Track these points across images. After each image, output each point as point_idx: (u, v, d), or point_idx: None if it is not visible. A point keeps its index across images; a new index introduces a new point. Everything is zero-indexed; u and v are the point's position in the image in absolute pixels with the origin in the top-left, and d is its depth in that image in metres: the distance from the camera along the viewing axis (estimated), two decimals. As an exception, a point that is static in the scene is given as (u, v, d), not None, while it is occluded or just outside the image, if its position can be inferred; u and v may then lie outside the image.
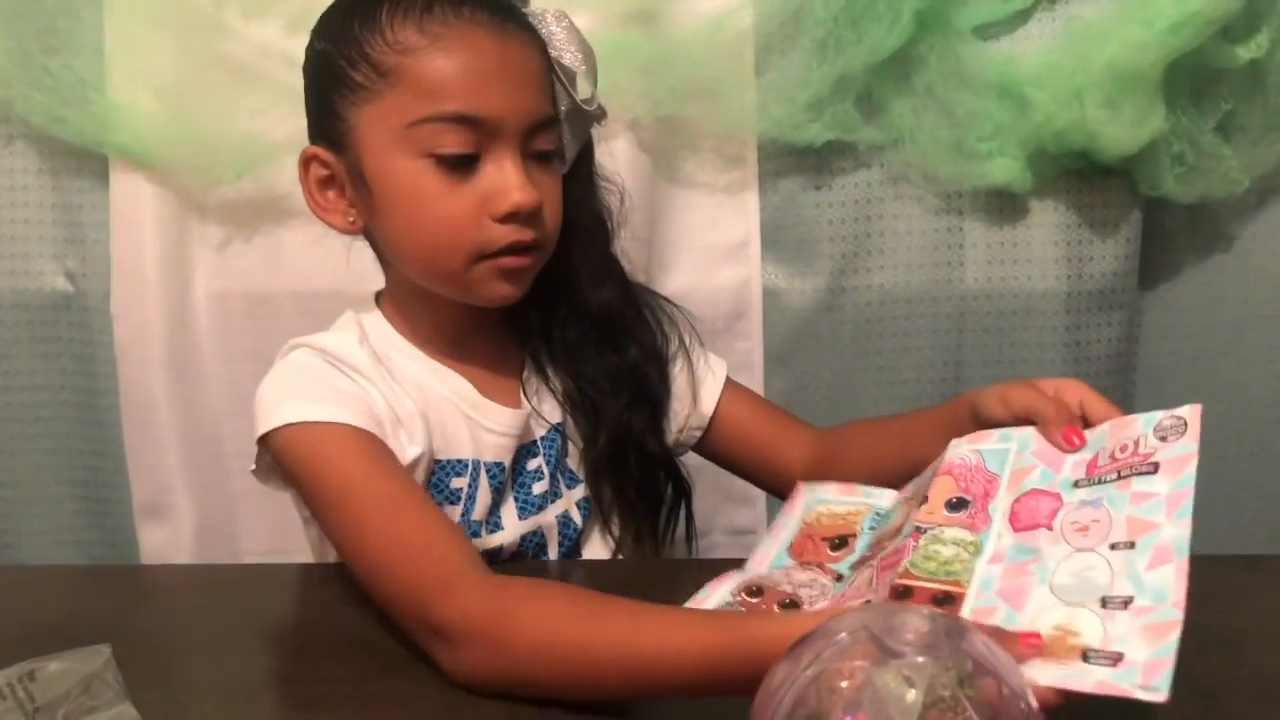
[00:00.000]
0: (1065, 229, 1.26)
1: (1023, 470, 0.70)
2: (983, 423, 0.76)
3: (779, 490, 0.96)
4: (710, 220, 1.27)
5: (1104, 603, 0.57)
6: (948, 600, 0.61)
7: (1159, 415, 0.66)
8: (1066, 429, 0.70)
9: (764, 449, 0.98)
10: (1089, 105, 1.15)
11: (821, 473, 0.89)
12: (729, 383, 1.00)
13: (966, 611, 0.60)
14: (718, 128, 1.23)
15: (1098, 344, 1.28)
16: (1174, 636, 0.53)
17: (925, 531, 0.67)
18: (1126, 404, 1.32)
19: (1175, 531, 0.59)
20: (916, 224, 1.27)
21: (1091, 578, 0.59)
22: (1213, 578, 0.77)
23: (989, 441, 0.73)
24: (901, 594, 0.62)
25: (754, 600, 0.70)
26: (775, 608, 0.68)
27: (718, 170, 1.26)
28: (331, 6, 0.85)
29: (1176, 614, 0.55)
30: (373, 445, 0.79)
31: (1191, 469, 0.62)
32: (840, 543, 0.76)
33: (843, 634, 0.47)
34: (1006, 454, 0.72)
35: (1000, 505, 0.68)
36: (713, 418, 0.98)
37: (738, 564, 0.77)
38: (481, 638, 0.66)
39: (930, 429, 0.81)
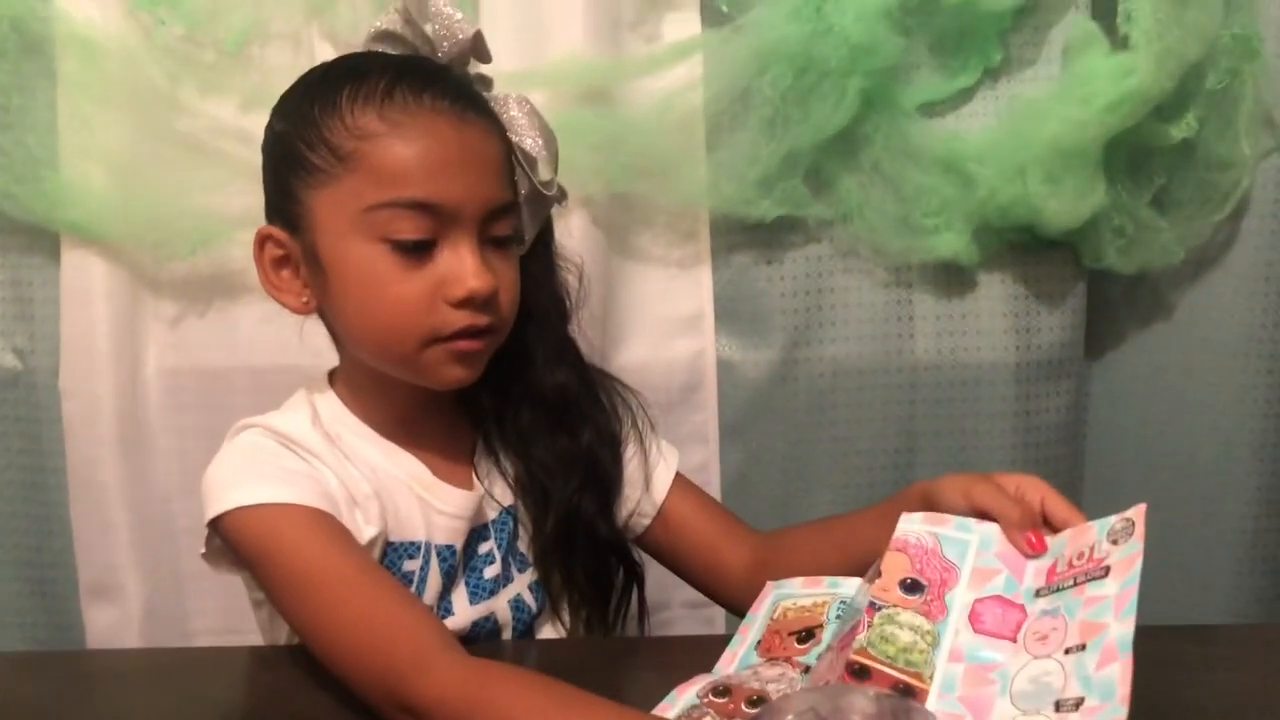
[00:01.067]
0: (1012, 300, 1.28)
1: (986, 570, 0.71)
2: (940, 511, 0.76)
3: (714, 592, 0.97)
4: (664, 293, 1.29)
5: (1057, 706, 0.60)
6: (908, 693, 0.62)
7: (1111, 520, 0.69)
8: (1029, 533, 0.72)
9: (707, 546, 0.96)
10: (1032, 181, 1.18)
11: (763, 576, 0.88)
12: (679, 476, 0.99)
13: (929, 708, 0.61)
14: (670, 203, 1.25)
15: (1047, 413, 1.30)
16: None
17: (880, 609, 0.67)
18: (1077, 472, 1.35)
19: (1120, 630, 0.61)
20: (866, 296, 1.29)
21: (1048, 683, 0.61)
22: (1163, 649, 0.78)
23: (946, 527, 0.73)
24: (858, 672, 0.63)
25: (720, 700, 0.69)
26: (743, 705, 0.68)
27: (671, 245, 1.28)
28: (292, 87, 0.85)
29: (1122, 710, 0.57)
30: (329, 525, 0.78)
31: (1137, 569, 0.64)
32: (807, 635, 0.76)
33: (789, 716, 0.47)
34: (966, 546, 0.72)
35: (959, 599, 0.69)
36: (661, 508, 0.97)
37: (698, 657, 0.77)
38: (457, 716, 0.66)
39: (875, 525, 0.80)
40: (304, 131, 0.81)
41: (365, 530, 0.83)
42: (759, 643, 0.78)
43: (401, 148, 0.79)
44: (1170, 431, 1.35)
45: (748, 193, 1.22)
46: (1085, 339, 1.32)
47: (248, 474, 0.80)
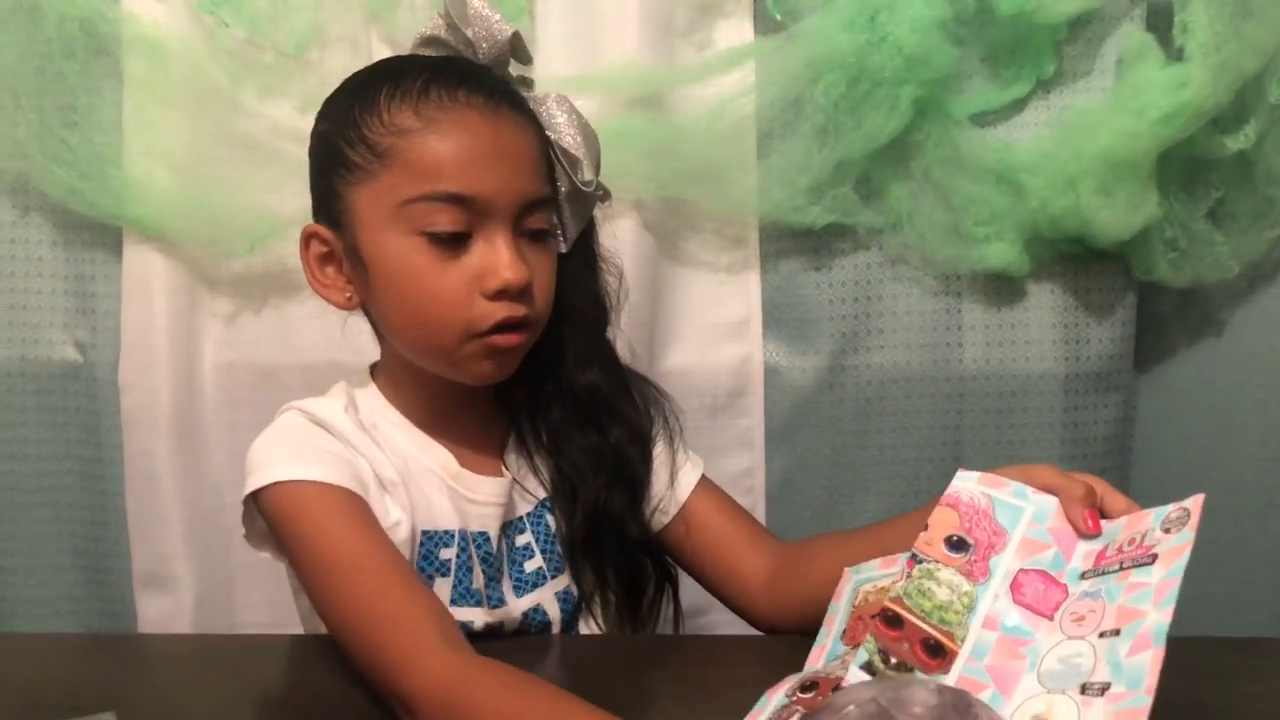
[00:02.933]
0: (1062, 311, 1.28)
1: (1036, 543, 0.70)
2: None
3: (730, 598, 0.96)
4: (713, 298, 1.29)
5: (1083, 689, 0.59)
6: (938, 650, 0.62)
7: (1169, 508, 0.68)
8: (1088, 510, 0.71)
9: (727, 550, 0.95)
10: (1083, 192, 1.18)
11: (782, 585, 0.89)
12: (704, 479, 0.99)
13: (956, 670, 0.61)
14: (720, 209, 1.26)
15: (1095, 425, 1.29)
16: None
17: (921, 562, 0.67)
18: (1124, 485, 1.33)
19: (1157, 619, 0.60)
20: (915, 305, 1.29)
21: (1077, 664, 0.61)
22: (1206, 660, 0.78)
23: (1003, 491, 0.72)
24: (891, 619, 0.63)
25: (807, 695, 0.68)
26: (830, 693, 0.67)
27: (720, 250, 1.29)
28: (335, 90, 0.89)
29: (1147, 700, 0.56)
30: (356, 507, 0.80)
31: (1184, 558, 0.63)
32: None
33: (850, 706, 0.47)
34: (1019, 514, 0.71)
35: (1004, 565, 0.68)
36: (683, 507, 0.97)
37: (745, 655, 0.77)
38: (443, 713, 0.67)
39: (904, 532, 0.78)
40: (345, 131, 0.84)
41: (392, 513, 0.85)
42: (844, 632, 0.76)
43: (436, 142, 0.81)
44: (1218, 446, 1.33)
45: (798, 199, 1.22)
46: (1135, 351, 1.31)
47: (284, 452, 0.83)
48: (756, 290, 1.29)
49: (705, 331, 1.30)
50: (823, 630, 0.79)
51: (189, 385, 1.27)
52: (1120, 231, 1.19)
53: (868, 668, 0.65)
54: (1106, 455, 1.31)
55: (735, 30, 1.25)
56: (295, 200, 1.19)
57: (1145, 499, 1.34)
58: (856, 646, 0.73)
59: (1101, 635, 0.62)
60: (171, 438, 1.25)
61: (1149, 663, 0.58)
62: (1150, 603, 0.61)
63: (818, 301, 1.29)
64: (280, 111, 1.22)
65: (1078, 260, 1.27)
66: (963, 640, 0.63)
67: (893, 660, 0.65)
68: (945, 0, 1.16)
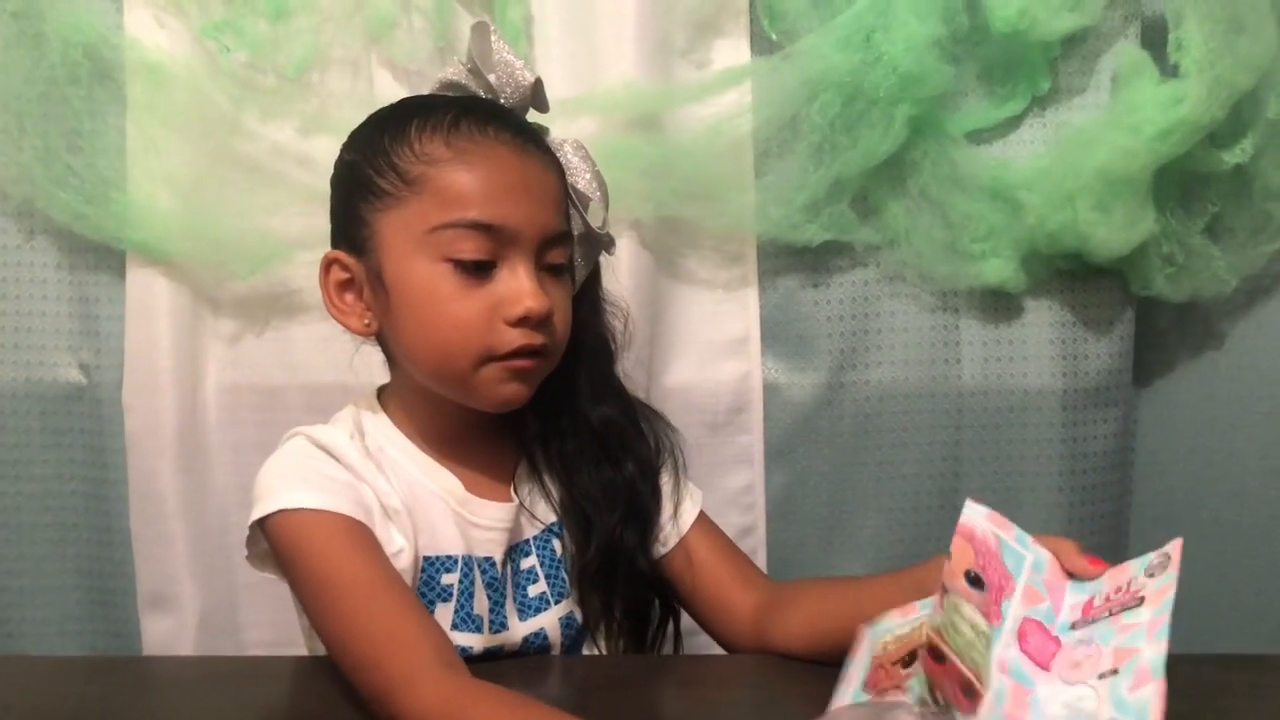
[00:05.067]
0: (1060, 327, 1.28)
1: (1034, 592, 0.71)
2: None
3: (718, 632, 0.96)
4: (711, 316, 1.30)
5: None
6: (970, 691, 0.62)
7: (1150, 556, 0.69)
8: (1088, 558, 0.73)
9: (719, 585, 0.96)
10: (1080, 208, 1.18)
11: (767, 622, 0.90)
12: (703, 514, 1.00)
13: (983, 716, 0.61)
14: (718, 227, 1.26)
15: (1094, 440, 1.30)
16: None
17: (948, 593, 0.67)
18: (1124, 500, 1.34)
19: (1153, 653, 0.61)
20: (913, 322, 1.29)
21: (1082, 708, 0.62)
22: (1209, 677, 0.78)
23: (1008, 534, 0.73)
24: (936, 655, 0.63)
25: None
26: None
27: (718, 268, 1.29)
28: (362, 124, 0.91)
29: None
30: (359, 534, 0.81)
31: (1171, 595, 0.64)
32: (911, 658, 0.73)
33: (835, 734, 0.47)
34: (1022, 561, 0.72)
35: (1013, 610, 0.69)
36: (683, 539, 0.98)
37: (742, 674, 0.76)
38: None
39: (890, 589, 0.80)
40: (374, 160, 0.85)
41: (396, 540, 0.85)
42: (865, 681, 0.75)
43: (465, 172, 0.83)
44: (1219, 461, 1.33)
45: (795, 217, 1.23)
46: (1134, 367, 1.31)
47: (290, 480, 0.84)
48: (755, 307, 1.29)
49: (704, 349, 1.30)
50: (840, 685, 0.76)
51: (192, 406, 1.27)
52: (1117, 247, 1.20)
53: (921, 703, 0.66)
54: (1106, 470, 1.30)
55: (732, 50, 1.26)
56: (298, 222, 1.21)
57: (1146, 514, 1.36)
58: (882, 692, 0.73)
59: (1101, 677, 0.63)
60: (175, 458, 1.26)
61: (1152, 697, 0.59)
62: (1144, 639, 0.63)
63: (816, 318, 1.30)
64: (282, 134, 1.24)
65: (1075, 276, 1.27)
66: (986, 684, 0.63)
67: (940, 700, 0.66)
68: (940, 19, 1.17)
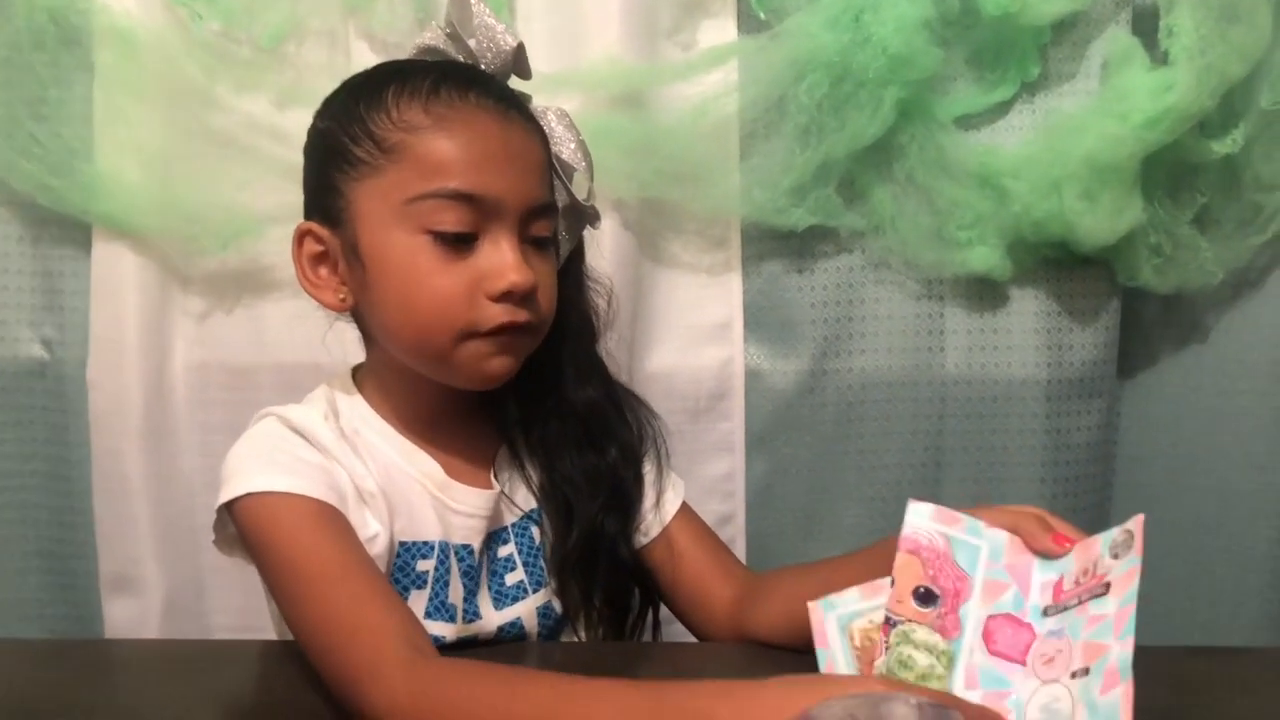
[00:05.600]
0: (1045, 317, 1.27)
1: (996, 584, 0.69)
2: None
3: (694, 623, 0.95)
4: (694, 300, 1.28)
5: None
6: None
7: (1113, 532, 0.68)
8: (1052, 534, 0.71)
9: (700, 577, 0.95)
10: (1067, 196, 1.16)
11: (746, 613, 0.88)
12: (685, 505, 0.98)
13: None
14: (702, 210, 1.24)
15: (1078, 431, 1.28)
16: None
17: (895, 625, 0.66)
18: (1106, 492, 1.33)
19: (1121, 652, 0.60)
20: (897, 309, 1.28)
21: (1057, 710, 0.61)
22: (1185, 671, 0.77)
23: (958, 528, 0.71)
24: None
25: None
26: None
27: (701, 251, 1.27)
28: (336, 90, 0.87)
29: None
30: (330, 519, 0.78)
31: (1135, 584, 0.63)
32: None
33: (827, 723, 0.46)
34: (977, 553, 0.71)
35: (973, 613, 0.68)
36: (665, 530, 0.96)
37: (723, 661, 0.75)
38: None
39: (860, 567, 0.77)
40: (348, 127, 0.82)
41: (371, 525, 0.82)
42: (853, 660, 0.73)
43: (445, 140, 0.79)
44: (1202, 454, 1.32)
45: (780, 201, 1.21)
46: (1118, 358, 1.30)
47: (260, 462, 0.80)
48: (738, 292, 1.27)
49: (686, 334, 1.28)
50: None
51: (159, 385, 1.24)
52: (1104, 236, 1.18)
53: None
54: (1089, 462, 1.29)
55: (718, 29, 1.24)
56: (271, 197, 1.18)
57: (1128, 506, 1.35)
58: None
59: (1074, 676, 0.62)
60: (141, 438, 1.23)
61: (1120, 699, 0.58)
62: (1111, 635, 0.61)
63: (799, 305, 1.28)
64: (256, 106, 1.20)
65: (1061, 265, 1.26)
66: None
67: None
68: (930, 0, 1.15)
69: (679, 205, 1.24)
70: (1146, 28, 1.20)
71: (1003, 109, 1.25)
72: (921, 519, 0.71)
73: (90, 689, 0.80)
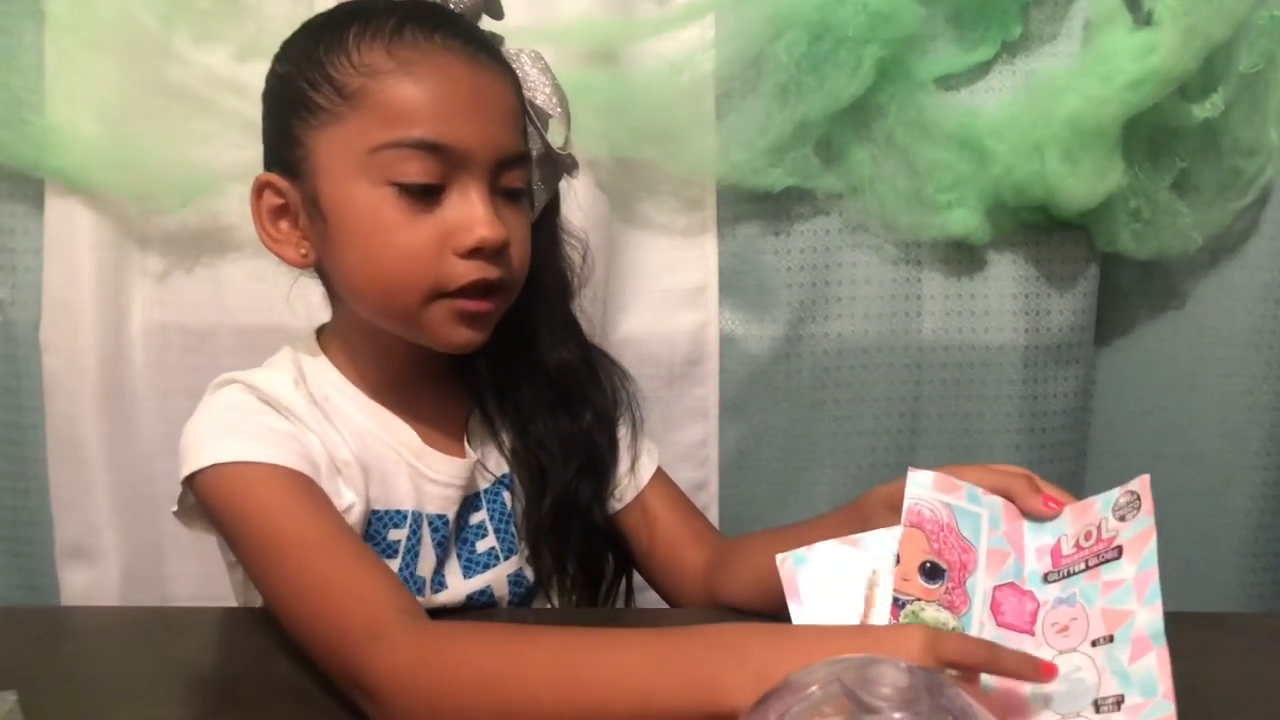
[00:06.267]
0: (1023, 282, 1.25)
1: (998, 553, 0.68)
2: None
3: (667, 589, 0.94)
4: (668, 263, 1.25)
5: (1097, 707, 0.57)
6: None
7: (1114, 493, 0.66)
8: (1043, 495, 0.70)
9: (675, 544, 0.93)
10: (1049, 158, 1.15)
11: (717, 578, 0.87)
12: (660, 470, 0.96)
13: None
14: (677, 170, 1.22)
15: (1054, 398, 1.27)
16: None
17: (904, 605, 0.64)
18: (1080, 459, 1.33)
19: (1148, 617, 0.59)
20: (874, 273, 1.26)
21: (1080, 679, 0.59)
22: (1166, 635, 0.76)
23: (958, 496, 0.69)
24: None
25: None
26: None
27: (676, 213, 1.24)
28: (295, 32, 0.82)
29: (1169, 706, 0.54)
30: (304, 488, 0.75)
31: (1152, 545, 0.62)
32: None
33: (813, 688, 0.44)
34: (979, 521, 0.69)
35: (980, 586, 0.66)
36: (640, 495, 0.94)
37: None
38: (411, 690, 0.63)
39: (829, 531, 0.74)
40: (308, 72, 0.77)
41: (345, 496, 0.79)
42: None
43: (410, 85, 0.75)
44: (1178, 421, 1.32)
45: (757, 161, 1.18)
46: (1095, 324, 1.29)
47: (226, 431, 0.77)
48: (714, 255, 1.25)
49: (661, 298, 1.26)
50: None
51: (116, 347, 1.20)
52: (1085, 200, 1.17)
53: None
54: (1064, 429, 1.29)
55: (696, -14, 1.21)
56: (231, 153, 1.14)
57: (1102, 473, 1.34)
58: None
59: (1094, 644, 0.60)
60: (97, 402, 1.19)
61: (1156, 665, 0.56)
62: (1134, 600, 0.60)
63: (775, 268, 1.26)
64: (216, 59, 1.16)
65: (1040, 230, 1.24)
66: None
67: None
68: (912, -44, 1.13)
69: (653, 165, 1.21)
70: (1129, -12, 1.18)
71: (984, 69, 1.23)
72: (923, 489, 0.69)
73: (37, 658, 0.77)
